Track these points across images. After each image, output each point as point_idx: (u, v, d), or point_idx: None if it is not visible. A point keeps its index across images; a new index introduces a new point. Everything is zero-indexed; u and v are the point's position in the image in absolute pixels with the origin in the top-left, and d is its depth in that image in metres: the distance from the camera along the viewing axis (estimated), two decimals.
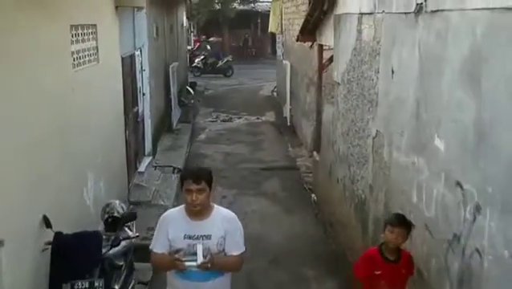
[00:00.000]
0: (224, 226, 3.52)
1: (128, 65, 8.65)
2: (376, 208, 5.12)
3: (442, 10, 3.52)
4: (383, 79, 4.87)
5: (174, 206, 8.18)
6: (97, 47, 6.41)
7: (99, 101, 6.46)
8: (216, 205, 3.65)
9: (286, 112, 13.90)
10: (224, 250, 3.52)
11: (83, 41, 5.93)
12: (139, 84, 9.63)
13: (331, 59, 8.47)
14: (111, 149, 7.08)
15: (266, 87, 21.16)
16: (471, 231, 3.18)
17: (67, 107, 5.17)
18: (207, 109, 16.75)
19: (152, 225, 7.70)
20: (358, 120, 5.82)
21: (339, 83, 6.85)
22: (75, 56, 5.56)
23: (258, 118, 15.38)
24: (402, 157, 4.32)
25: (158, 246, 3.56)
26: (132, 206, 8.25)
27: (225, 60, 25.55)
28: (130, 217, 5.26)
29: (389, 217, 3.98)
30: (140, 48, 10.05)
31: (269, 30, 19.89)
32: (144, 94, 10.29)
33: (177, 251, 3.46)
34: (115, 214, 5.19)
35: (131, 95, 8.92)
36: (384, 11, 4.80)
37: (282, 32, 16.51)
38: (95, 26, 6.32)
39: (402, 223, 3.80)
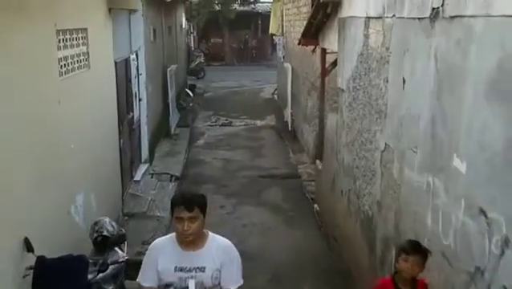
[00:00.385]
0: (219, 257, 3.16)
1: (123, 70, 8.30)
2: (385, 227, 4.76)
3: (463, 16, 3.15)
4: (393, 89, 4.51)
5: (170, 218, 7.89)
6: (88, 52, 6.06)
7: (90, 110, 6.10)
8: (211, 233, 3.29)
9: (287, 117, 13.54)
10: (219, 283, 3.16)
11: (72, 46, 5.57)
12: (135, 89, 9.28)
13: (334, 64, 8.12)
14: (103, 160, 6.73)
15: (267, 90, 20.81)
16: (498, 266, 2.82)
17: (53, 121, 4.80)
18: (206, 112, 16.39)
19: (147, 238, 7.42)
20: (364, 131, 5.46)
21: (343, 90, 6.49)
22: (62, 63, 5.20)
23: (258, 122, 15.01)
24: (415, 176, 3.95)
25: (146, 279, 3.20)
26: (126, 218, 7.91)
27: (197, 62, 24.97)
28: (119, 239, 4.90)
29: (403, 244, 3.60)
30: (137, 52, 9.71)
31: (269, 32, 19.54)
32: (140, 99, 9.95)
33: (167, 286, 3.11)
34: (105, 233, 4.82)
35: (125, 101, 8.57)
36: (394, 16, 4.43)
37: (282, 34, 16.16)
38: (85, 30, 5.97)
39: (417, 251, 3.43)
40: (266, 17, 25.48)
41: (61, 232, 4.90)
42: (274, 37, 19.35)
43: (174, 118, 13.51)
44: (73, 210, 5.34)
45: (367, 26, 5.31)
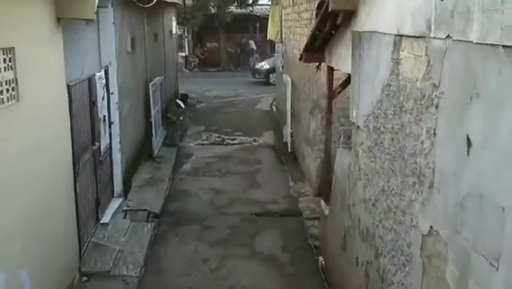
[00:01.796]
0: None
1: (84, 93, 6.72)
2: None
3: None
4: (446, 149, 2.94)
5: (140, 278, 6.31)
6: (16, 80, 4.48)
7: (21, 157, 4.53)
8: None
9: (287, 136, 11.93)
10: None
11: None
12: (102, 113, 7.69)
13: (344, 84, 6.56)
14: (47, 215, 5.16)
15: (265, 100, 19.23)
16: None
17: None
18: (197, 127, 14.79)
19: None
20: (393, 194, 3.88)
21: (359, 127, 4.92)
22: None
23: (254, 140, 13.40)
24: None
25: None
26: (84, 279, 6.33)
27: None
28: None
29: None
30: (107, 67, 8.14)
31: (267, 38, 17.97)
32: (112, 123, 8.38)
33: None
34: None
35: (89, 130, 7.01)
36: (449, 37, 2.86)
37: (281, 41, 14.59)
38: (10, 50, 4.39)
39: None
40: (264, 20, 23.86)
41: None
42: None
43: (158, 137, 11.92)
44: None
45: (397, 48, 3.74)
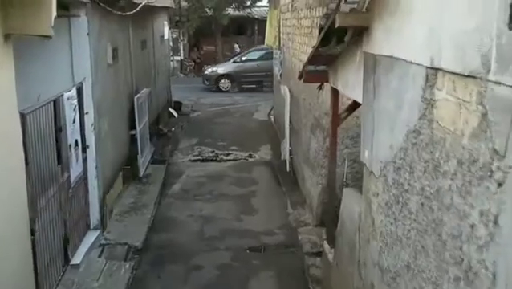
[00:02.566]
0: None
1: (46, 119, 5.73)
2: None
3: None
4: None
5: None
6: None
7: None
8: None
9: (285, 154, 10.94)
10: None
11: None
12: (73, 138, 6.71)
13: (351, 108, 5.60)
14: None
15: (262, 108, 18.21)
16: None
17: None
18: (189, 140, 13.80)
19: None
20: (424, 280, 2.90)
21: (372, 172, 3.94)
22: None
23: (250, 155, 12.42)
24: None
25: None
26: None
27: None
28: None
29: None
30: (81, 84, 7.18)
31: (265, 43, 17.02)
32: (87, 147, 7.41)
33: None
34: None
35: (52, 161, 6.03)
36: None
37: (279, 47, 13.61)
38: None
39: None
40: (263, 22, 22.88)
41: None
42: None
43: (145, 155, 10.93)
44: None
45: (431, 84, 2.77)
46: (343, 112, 5.65)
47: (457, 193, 2.47)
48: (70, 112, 6.54)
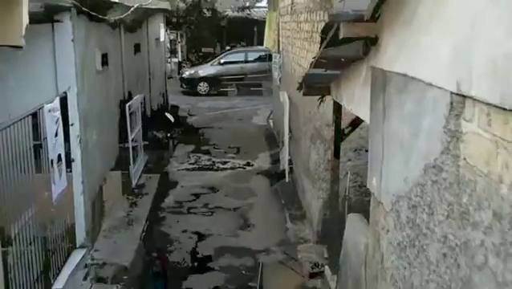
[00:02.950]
0: None
1: (20, 136, 5.24)
2: None
3: None
4: None
5: None
6: None
7: None
8: None
9: (284, 164, 10.45)
10: None
11: None
12: (55, 153, 6.20)
13: (355, 123, 5.12)
14: None
15: (262, 112, 17.73)
16: None
17: None
18: (185, 147, 13.33)
19: None
20: None
21: (380, 203, 3.46)
22: None
23: (248, 163, 11.94)
24: None
25: None
26: None
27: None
28: None
29: None
30: (65, 93, 6.71)
31: (264, 46, 16.54)
32: (72, 160, 6.93)
33: None
34: None
35: (29, 182, 5.54)
36: None
37: (279, 51, 13.13)
38: None
39: None
40: (263, 24, 22.40)
41: None
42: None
43: (138, 165, 10.45)
44: None
45: (457, 113, 2.28)
46: (347, 127, 5.18)
47: (493, 253, 1.99)
48: (51, 125, 6.04)
